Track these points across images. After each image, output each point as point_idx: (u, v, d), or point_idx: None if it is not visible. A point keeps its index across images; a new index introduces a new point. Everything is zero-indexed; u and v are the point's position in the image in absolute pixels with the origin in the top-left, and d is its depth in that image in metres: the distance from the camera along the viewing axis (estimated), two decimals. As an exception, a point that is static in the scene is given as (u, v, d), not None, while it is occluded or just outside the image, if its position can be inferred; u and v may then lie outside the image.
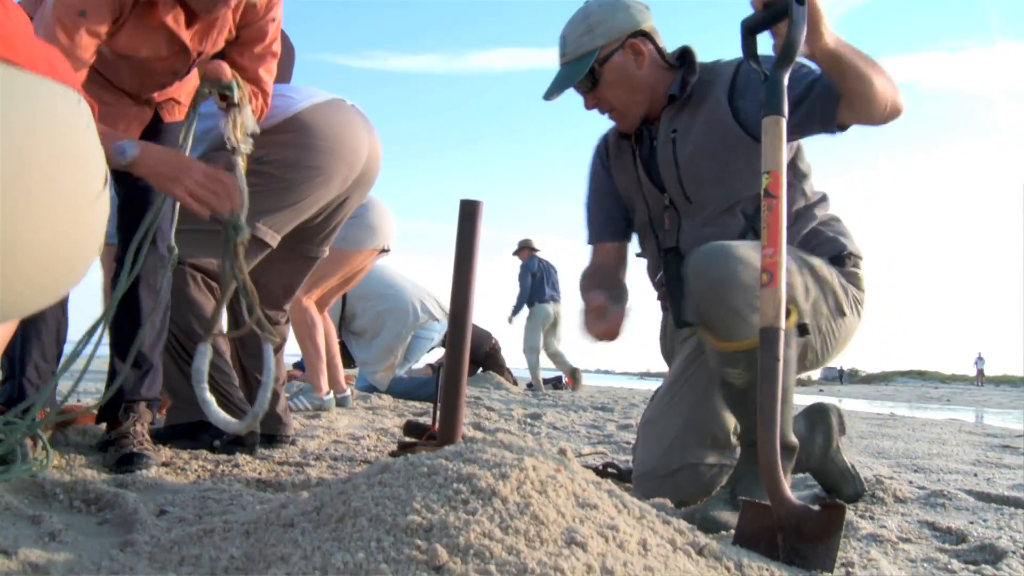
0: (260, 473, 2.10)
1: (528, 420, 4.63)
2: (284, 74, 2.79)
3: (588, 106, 2.28)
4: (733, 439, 2.08)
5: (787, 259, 1.89)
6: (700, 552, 1.19)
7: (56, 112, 1.07)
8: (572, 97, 2.32)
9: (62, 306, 2.18)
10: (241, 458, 2.28)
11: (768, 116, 1.53)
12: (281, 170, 2.47)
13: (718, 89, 2.14)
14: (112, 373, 2.20)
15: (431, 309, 5.89)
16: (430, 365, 6.45)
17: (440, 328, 5.92)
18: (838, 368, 49.83)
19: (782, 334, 1.43)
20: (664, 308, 2.42)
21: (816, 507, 1.35)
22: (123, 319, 2.17)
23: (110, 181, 1.22)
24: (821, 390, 25.94)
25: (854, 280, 2.14)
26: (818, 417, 2.13)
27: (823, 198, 2.23)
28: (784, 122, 1.53)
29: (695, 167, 2.15)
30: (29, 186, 1.00)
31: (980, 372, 44.78)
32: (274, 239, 2.53)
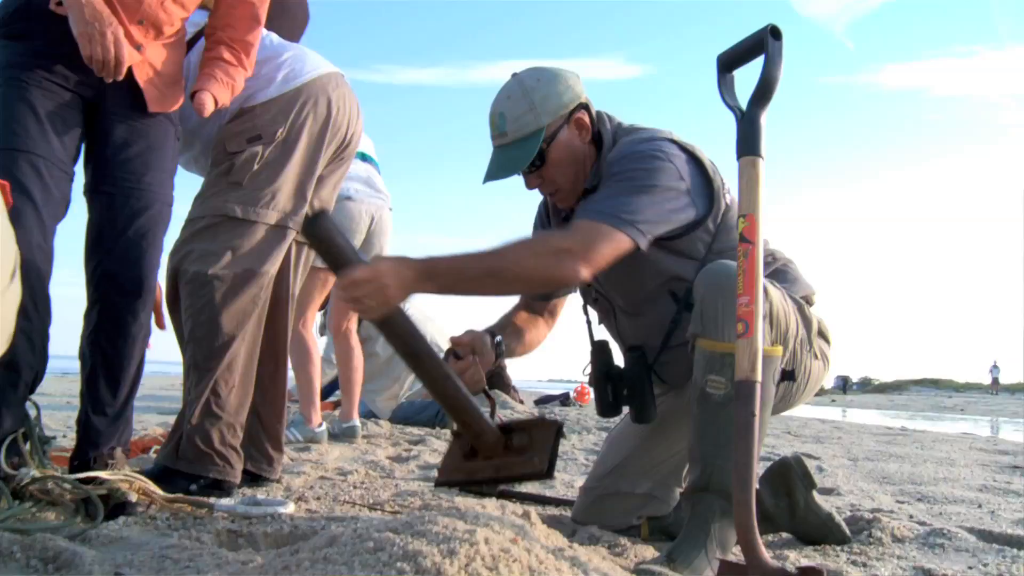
0: (233, 521, 2.03)
1: (526, 446, 4.52)
2: (294, 34, 2.78)
3: (530, 186, 2.10)
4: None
5: (778, 292, 1.83)
6: (666, 627, 1.12)
7: None
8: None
9: (39, 355, 2.08)
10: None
11: (744, 157, 1.47)
12: (299, 144, 2.39)
13: None
14: (84, 423, 2.13)
15: (434, 336, 5.72)
16: None
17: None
18: (842, 378, 48.52)
19: (758, 388, 1.36)
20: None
21: (793, 570, 1.28)
22: (98, 369, 2.11)
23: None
24: (833, 400, 25.71)
25: (817, 324, 2.06)
26: (780, 481, 2.06)
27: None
28: (761, 163, 1.47)
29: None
30: None
31: (995, 380, 44.21)
32: (299, 225, 2.40)
